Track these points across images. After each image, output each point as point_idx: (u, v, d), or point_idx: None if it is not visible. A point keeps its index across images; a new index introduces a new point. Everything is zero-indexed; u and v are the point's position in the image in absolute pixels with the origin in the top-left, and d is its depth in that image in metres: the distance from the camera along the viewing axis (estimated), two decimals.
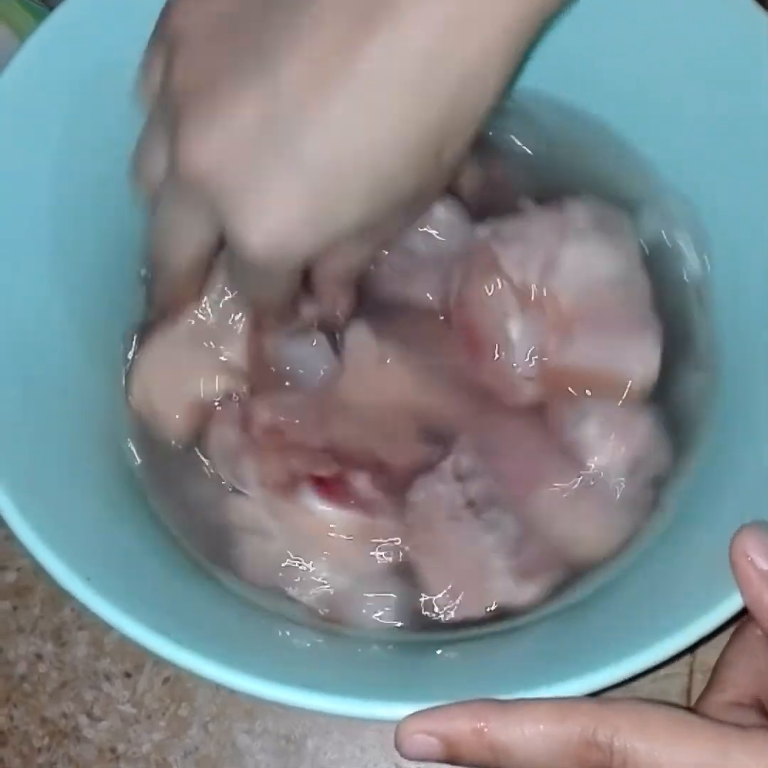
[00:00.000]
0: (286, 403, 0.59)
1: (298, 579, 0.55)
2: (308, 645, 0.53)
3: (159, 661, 0.63)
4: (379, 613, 0.55)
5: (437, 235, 0.61)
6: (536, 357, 0.56)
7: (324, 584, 0.55)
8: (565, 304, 0.56)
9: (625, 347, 0.56)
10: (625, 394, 0.56)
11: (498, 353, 0.57)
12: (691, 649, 0.44)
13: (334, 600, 0.55)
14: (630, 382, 0.56)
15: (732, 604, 0.44)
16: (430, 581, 0.55)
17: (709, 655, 0.61)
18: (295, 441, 0.57)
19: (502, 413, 0.58)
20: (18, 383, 0.53)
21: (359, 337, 0.60)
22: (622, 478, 0.55)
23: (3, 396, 0.52)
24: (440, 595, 0.54)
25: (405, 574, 0.56)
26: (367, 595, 0.55)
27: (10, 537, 0.46)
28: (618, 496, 0.55)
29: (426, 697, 0.42)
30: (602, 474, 0.55)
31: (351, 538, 0.55)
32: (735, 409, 0.57)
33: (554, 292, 0.56)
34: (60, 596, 0.65)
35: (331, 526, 0.55)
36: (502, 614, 0.54)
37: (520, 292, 0.57)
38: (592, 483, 0.55)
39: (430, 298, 0.61)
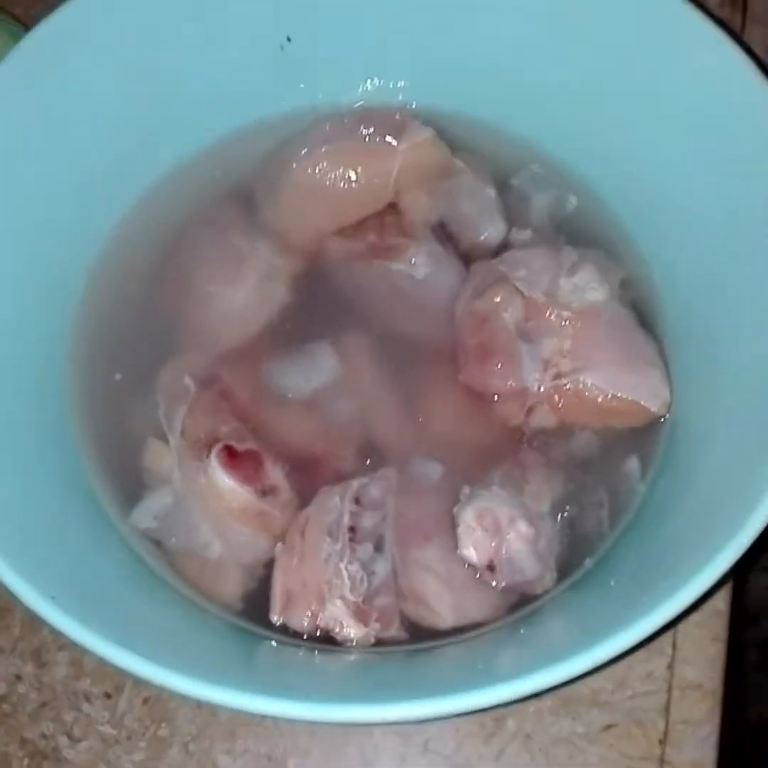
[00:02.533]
0: (256, 378, 0.62)
1: (181, 536, 0.57)
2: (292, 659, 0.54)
3: (139, 682, 0.63)
4: (236, 596, 0.58)
5: (421, 275, 0.64)
6: (551, 373, 0.58)
7: (202, 548, 0.57)
8: (569, 325, 0.59)
9: (639, 382, 0.59)
10: (646, 420, 0.60)
11: (510, 363, 0.59)
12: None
13: (206, 567, 0.58)
14: (649, 408, 0.59)
15: (702, 582, 0.45)
16: (275, 579, 0.57)
17: (686, 671, 0.62)
18: (237, 411, 0.60)
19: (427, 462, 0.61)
20: None
21: (351, 346, 0.63)
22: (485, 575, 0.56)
23: None
24: (277, 596, 0.56)
25: (269, 566, 0.58)
26: (233, 573, 0.57)
27: None
28: (479, 586, 0.56)
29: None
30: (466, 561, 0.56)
31: (237, 514, 0.57)
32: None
33: (558, 309, 0.59)
34: (40, 618, 0.65)
35: (226, 497, 0.57)
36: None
37: (529, 302, 0.60)
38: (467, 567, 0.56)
39: (413, 331, 0.65)
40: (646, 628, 0.44)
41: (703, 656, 0.62)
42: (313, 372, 0.63)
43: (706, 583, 0.45)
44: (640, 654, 0.62)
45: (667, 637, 0.62)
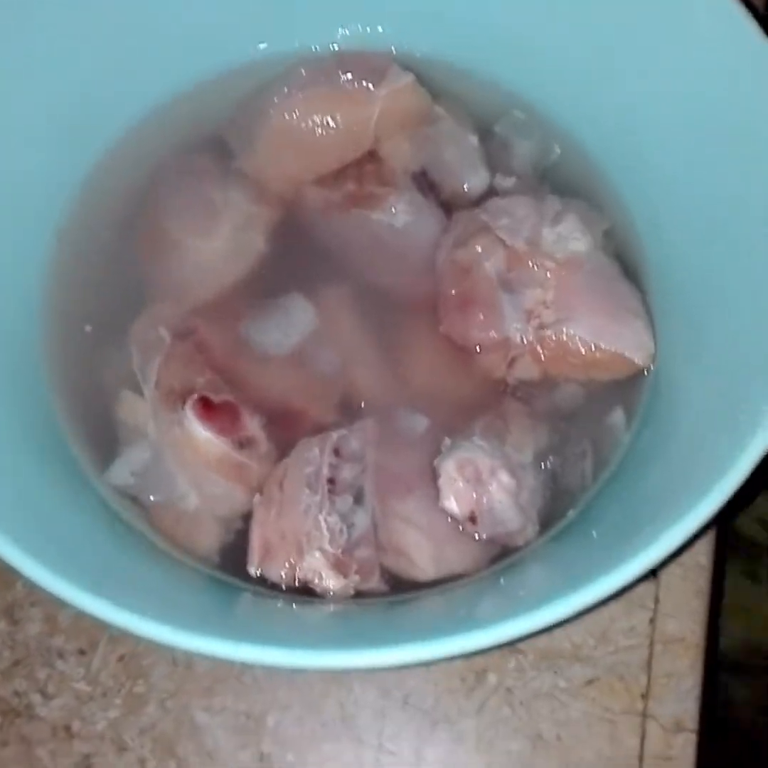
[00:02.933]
0: (233, 331, 0.61)
1: (159, 491, 0.57)
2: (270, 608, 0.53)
3: (114, 639, 0.62)
4: (213, 548, 0.57)
5: (401, 224, 0.63)
6: (533, 324, 0.57)
7: (178, 500, 0.56)
8: (552, 275, 0.58)
9: (622, 333, 0.58)
10: (630, 372, 0.59)
11: (492, 314, 0.58)
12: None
13: (182, 520, 0.57)
14: (633, 360, 0.58)
15: (684, 529, 0.44)
16: (253, 531, 0.56)
17: (668, 625, 0.61)
18: (213, 364, 0.59)
19: (413, 415, 0.60)
20: None
21: (330, 298, 0.62)
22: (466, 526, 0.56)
23: None
24: (255, 548, 0.55)
25: (247, 519, 0.57)
26: (210, 526, 0.57)
27: None
28: (461, 537, 0.56)
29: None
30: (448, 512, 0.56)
31: (213, 466, 0.56)
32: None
33: (541, 259, 0.58)
34: (11, 573, 0.63)
35: (202, 448, 0.56)
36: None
37: (511, 252, 0.59)
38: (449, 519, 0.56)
39: (393, 281, 0.64)
40: (628, 574, 0.43)
41: (686, 610, 0.62)
42: (290, 326, 0.62)
43: (687, 531, 0.44)
44: (622, 608, 0.61)
45: (650, 591, 0.62)
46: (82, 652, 0.62)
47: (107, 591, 0.44)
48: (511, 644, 0.58)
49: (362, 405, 0.61)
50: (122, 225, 0.66)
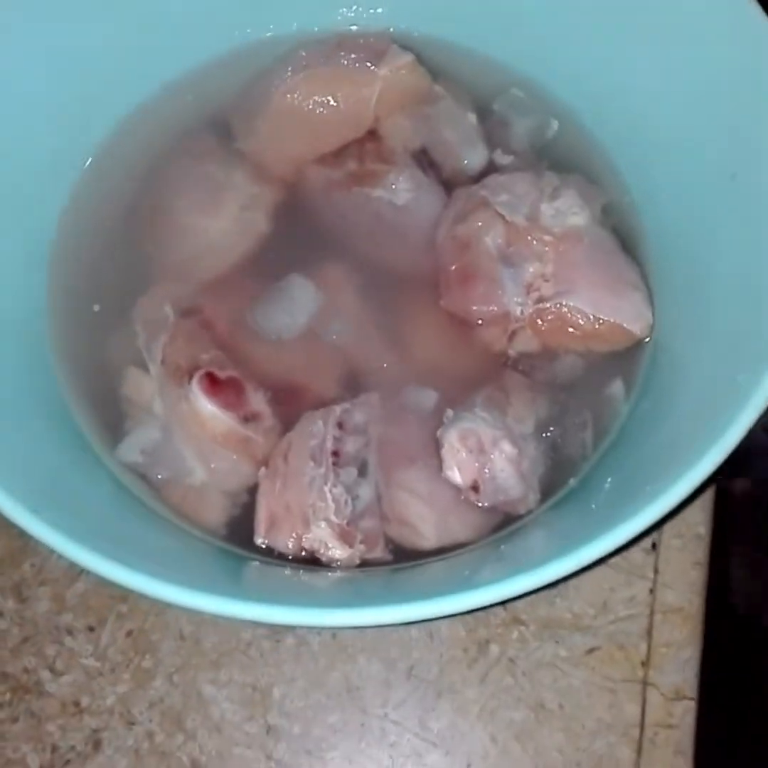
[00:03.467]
0: (237, 309, 0.62)
1: (167, 468, 0.58)
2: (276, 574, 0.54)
3: (122, 615, 0.63)
4: (220, 522, 0.58)
5: (402, 201, 0.63)
6: (533, 297, 0.57)
7: (185, 475, 0.57)
8: (551, 249, 0.59)
9: (621, 305, 0.59)
10: (629, 343, 0.60)
11: (492, 288, 0.59)
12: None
13: (189, 494, 0.58)
14: (632, 331, 0.59)
15: (686, 485, 0.45)
16: (259, 503, 0.57)
17: (667, 595, 0.62)
18: (217, 341, 0.60)
19: (422, 390, 0.60)
20: None
21: (332, 275, 0.63)
22: (469, 495, 0.56)
23: None
24: (261, 520, 0.56)
25: (252, 493, 0.58)
26: (217, 499, 0.58)
27: None
28: (463, 506, 0.56)
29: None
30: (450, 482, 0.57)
31: (219, 440, 0.57)
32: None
33: (540, 234, 0.59)
34: (19, 552, 0.65)
35: (208, 423, 0.57)
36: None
37: (510, 227, 0.59)
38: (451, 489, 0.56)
39: (394, 258, 0.64)
40: (614, 540, 0.44)
41: (685, 580, 0.63)
42: (296, 309, 0.63)
43: (684, 491, 0.45)
44: (622, 578, 0.62)
45: (649, 561, 0.63)
46: (90, 629, 0.63)
47: (122, 557, 0.45)
48: (508, 602, 0.59)
49: (363, 379, 0.61)
50: (126, 205, 0.67)
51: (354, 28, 0.69)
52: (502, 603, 0.51)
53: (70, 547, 0.43)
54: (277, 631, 0.62)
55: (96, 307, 0.63)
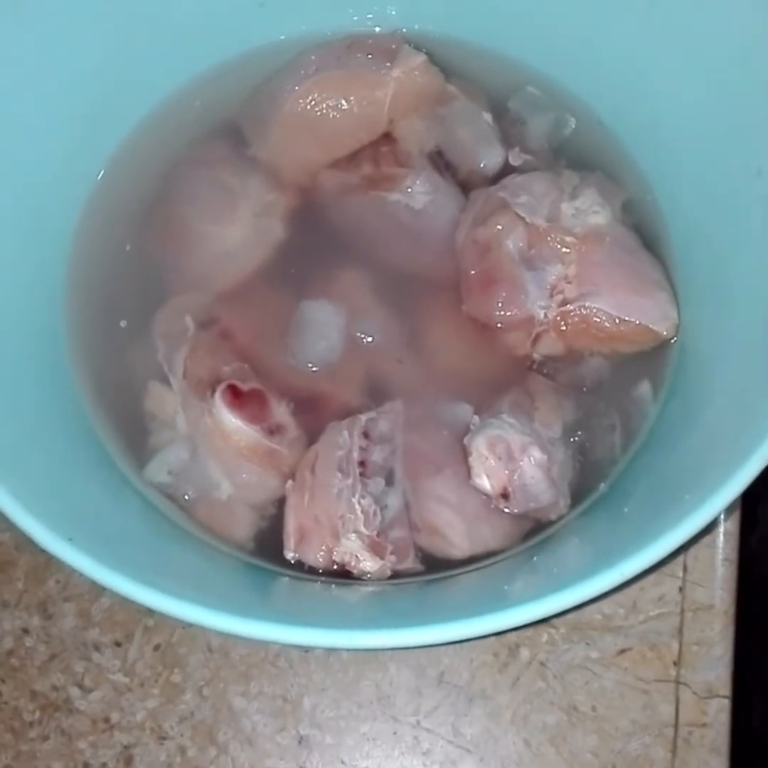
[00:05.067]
0: (257, 317, 0.62)
1: (195, 487, 0.57)
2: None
3: (149, 629, 0.63)
4: (248, 536, 0.58)
5: (419, 205, 0.63)
6: (556, 300, 0.57)
7: (212, 490, 0.57)
8: (573, 250, 0.58)
9: (646, 305, 0.58)
10: (655, 343, 0.59)
11: (515, 292, 0.58)
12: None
13: (216, 509, 0.57)
14: (658, 331, 0.58)
15: (714, 506, 0.44)
16: (287, 517, 0.56)
17: (697, 593, 0.62)
18: (237, 352, 0.59)
19: (442, 396, 0.60)
20: None
21: (350, 282, 0.62)
22: (499, 503, 0.56)
23: None
24: (290, 533, 0.56)
25: (280, 506, 0.58)
26: (244, 514, 0.57)
27: None
28: (493, 514, 0.56)
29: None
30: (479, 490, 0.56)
31: (245, 454, 0.56)
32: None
33: (561, 235, 0.58)
34: (43, 569, 0.64)
35: (233, 436, 0.56)
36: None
37: (531, 229, 0.59)
38: (480, 496, 0.56)
39: (413, 263, 0.64)
40: (657, 552, 0.44)
41: (714, 577, 0.62)
42: (325, 330, 0.62)
43: (720, 506, 0.44)
44: (651, 577, 0.62)
45: (678, 559, 0.62)
46: (117, 644, 0.63)
47: (150, 578, 0.44)
48: (544, 621, 0.59)
49: (386, 387, 0.61)
50: (141, 217, 0.66)
51: (366, 29, 0.68)
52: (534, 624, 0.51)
53: (105, 575, 0.43)
54: (305, 647, 0.61)
55: (114, 322, 0.62)
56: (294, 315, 0.62)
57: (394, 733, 0.61)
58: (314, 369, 0.61)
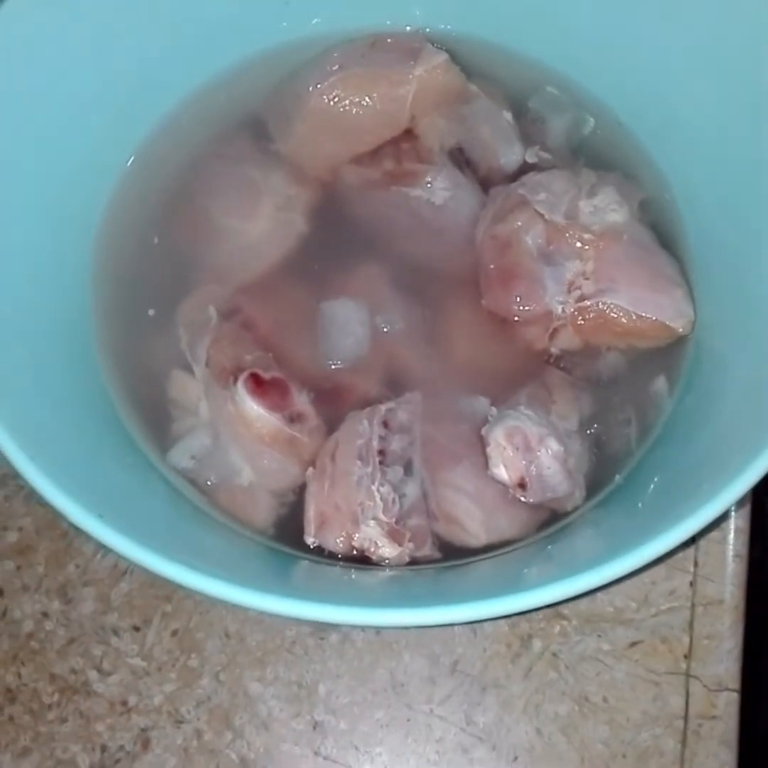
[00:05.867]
0: (278, 309, 0.63)
1: (217, 473, 0.58)
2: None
3: (167, 614, 0.63)
4: (268, 522, 0.58)
5: (440, 200, 0.64)
6: (574, 295, 0.58)
7: (234, 476, 0.58)
8: (591, 247, 0.59)
9: (662, 302, 0.59)
10: (671, 339, 0.60)
11: (533, 287, 0.59)
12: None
13: (238, 494, 0.58)
14: (674, 327, 0.59)
15: (726, 499, 0.45)
16: (308, 503, 0.57)
17: (708, 588, 0.63)
18: (260, 341, 0.60)
19: (461, 388, 0.61)
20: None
21: (372, 275, 0.63)
22: (516, 493, 0.57)
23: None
24: (311, 519, 0.57)
25: (300, 493, 0.59)
26: (265, 500, 0.59)
27: (10, 497, 0.47)
28: (510, 504, 0.57)
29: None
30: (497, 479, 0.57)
31: (266, 441, 0.57)
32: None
33: (579, 232, 0.59)
34: (64, 554, 0.65)
35: (254, 424, 0.57)
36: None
37: (550, 225, 0.60)
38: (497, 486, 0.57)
39: (433, 257, 0.65)
40: (670, 541, 0.45)
41: (725, 572, 0.63)
42: (351, 326, 0.62)
43: (731, 499, 0.45)
44: (662, 572, 0.63)
45: (689, 554, 0.63)
46: (136, 629, 0.63)
47: (176, 555, 0.45)
48: (555, 606, 0.60)
49: (405, 378, 0.62)
50: (166, 210, 0.67)
51: (389, 27, 0.69)
52: (544, 608, 0.52)
53: (134, 550, 0.44)
54: (321, 628, 0.62)
55: (139, 311, 0.63)
56: (317, 318, 0.63)
57: (408, 720, 0.61)
58: (345, 365, 0.62)
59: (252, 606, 0.44)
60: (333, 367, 0.62)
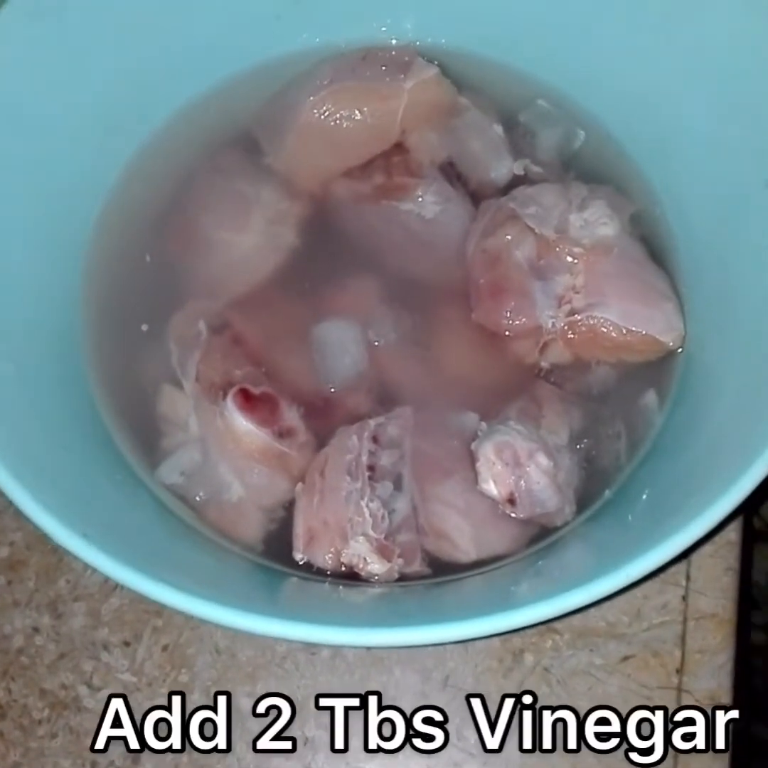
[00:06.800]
0: (269, 323, 0.63)
1: (206, 489, 0.58)
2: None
3: (157, 629, 0.63)
4: (257, 537, 0.58)
5: (430, 214, 0.64)
6: (564, 309, 0.57)
7: (223, 491, 0.58)
8: (581, 261, 0.59)
9: (652, 316, 0.59)
10: (661, 353, 0.60)
11: (524, 301, 0.59)
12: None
13: (227, 510, 0.58)
14: (664, 341, 0.59)
15: (715, 514, 0.46)
16: (297, 519, 0.57)
17: (700, 602, 0.63)
18: (249, 356, 0.60)
19: (451, 402, 0.61)
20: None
21: (362, 289, 0.63)
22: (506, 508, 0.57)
23: None
24: (300, 535, 0.57)
25: (289, 508, 0.59)
26: (254, 515, 0.58)
27: (1, 512, 0.47)
28: (500, 519, 0.57)
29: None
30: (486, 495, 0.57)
31: (256, 456, 0.57)
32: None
33: (570, 246, 0.59)
34: (54, 569, 0.65)
35: (244, 439, 0.57)
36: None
37: (540, 239, 0.60)
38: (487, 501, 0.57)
39: (423, 271, 0.65)
40: (660, 556, 0.45)
41: (717, 586, 0.63)
42: (346, 345, 0.62)
43: (720, 514, 0.45)
44: (654, 586, 0.63)
45: (681, 568, 0.63)
46: (126, 644, 0.63)
47: (162, 575, 0.45)
48: (547, 623, 0.59)
49: (395, 392, 0.62)
50: (157, 224, 0.67)
51: (380, 41, 0.69)
52: (536, 625, 0.52)
53: (118, 571, 0.44)
54: (313, 643, 0.62)
55: (129, 326, 0.63)
56: (310, 338, 0.63)
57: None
58: (346, 384, 0.62)
59: (238, 627, 0.44)
60: (333, 390, 0.62)
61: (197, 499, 0.59)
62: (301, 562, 0.56)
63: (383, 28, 0.70)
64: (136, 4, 0.64)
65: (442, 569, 0.57)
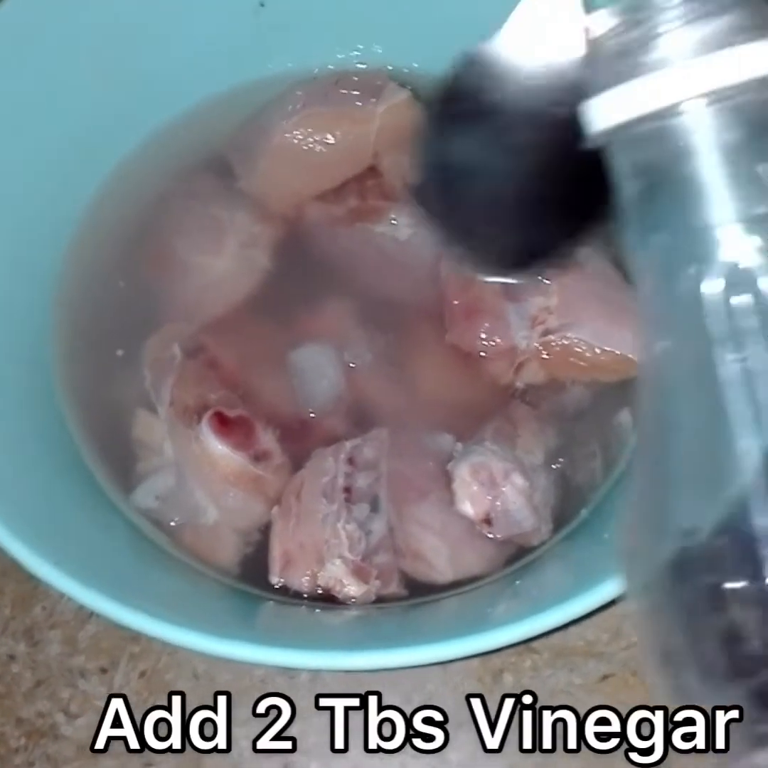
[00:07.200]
0: (243, 346, 0.63)
1: (182, 514, 0.58)
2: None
3: (135, 655, 0.63)
4: (233, 561, 0.58)
5: (404, 236, 0.65)
6: (538, 330, 0.58)
7: (199, 515, 0.58)
8: (554, 282, 0.59)
9: (625, 336, 0.59)
10: (635, 373, 0.57)
11: (498, 323, 0.59)
12: None
13: (202, 534, 0.58)
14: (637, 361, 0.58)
15: None
16: (273, 542, 0.57)
17: None
18: (224, 380, 0.60)
19: (427, 423, 0.61)
20: None
21: (336, 311, 0.63)
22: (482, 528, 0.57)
23: None
24: (276, 559, 0.57)
25: (265, 531, 0.58)
26: (229, 539, 0.58)
27: None
28: (476, 539, 0.57)
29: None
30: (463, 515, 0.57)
31: (231, 480, 0.57)
32: None
33: None
34: (30, 596, 0.65)
35: (219, 463, 0.57)
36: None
37: None
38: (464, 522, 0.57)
39: (398, 293, 0.65)
40: None
41: None
42: (322, 369, 0.62)
43: None
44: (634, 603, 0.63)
45: None
46: (103, 671, 0.63)
47: (136, 602, 0.45)
48: (526, 642, 0.59)
49: (371, 414, 0.62)
50: (129, 249, 0.67)
51: (351, 66, 0.70)
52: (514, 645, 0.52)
53: (92, 598, 0.44)
54: (290, 668, 0.62)
55: (103, 351, 0.63)
56: (288, 367, 0.63)
57: (381, 760, 0.61)
58: (326, 407, 0.62)
59: (214, 652, 0.43)
60: (313, 415, 0.61)
61: (172, 523, 0.58)
62: (277, 586, 0.56)
63: (355, 53, 0.71)
64: (109, 28, 0.64)
65: (419, 590, 0.57)
